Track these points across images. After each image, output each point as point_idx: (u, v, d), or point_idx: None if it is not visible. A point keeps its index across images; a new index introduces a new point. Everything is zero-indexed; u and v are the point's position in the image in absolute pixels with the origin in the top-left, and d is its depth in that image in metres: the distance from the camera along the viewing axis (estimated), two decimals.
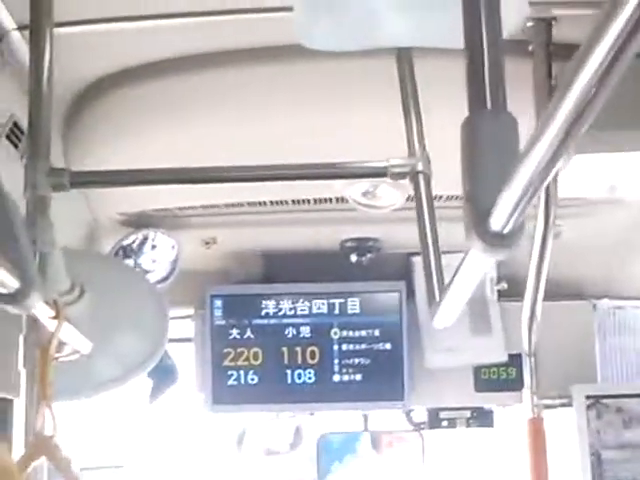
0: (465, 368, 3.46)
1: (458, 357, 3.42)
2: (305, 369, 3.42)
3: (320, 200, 2.88)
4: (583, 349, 3.46)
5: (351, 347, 3.44)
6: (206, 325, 3.45)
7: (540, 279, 2.61)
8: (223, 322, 3.44)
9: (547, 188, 2.21)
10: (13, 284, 1.16)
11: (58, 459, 1.41)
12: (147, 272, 3.06)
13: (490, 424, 3.59)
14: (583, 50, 0.69)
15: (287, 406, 3.54)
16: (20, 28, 1.88)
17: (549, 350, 3.28)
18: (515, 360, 3.34)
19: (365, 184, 2.58)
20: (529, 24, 2.07)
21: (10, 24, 1.88)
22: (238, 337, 3.44)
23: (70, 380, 1.61)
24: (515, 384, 3.29)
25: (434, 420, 3.59)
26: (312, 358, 3.43)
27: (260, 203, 2.89)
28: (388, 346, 3.44)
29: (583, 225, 3.05)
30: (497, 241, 0.99)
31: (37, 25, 1.59)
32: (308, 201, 2.88)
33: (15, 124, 2.00)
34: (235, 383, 3.42)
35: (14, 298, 1.18)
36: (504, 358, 3.43)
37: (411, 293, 3.43)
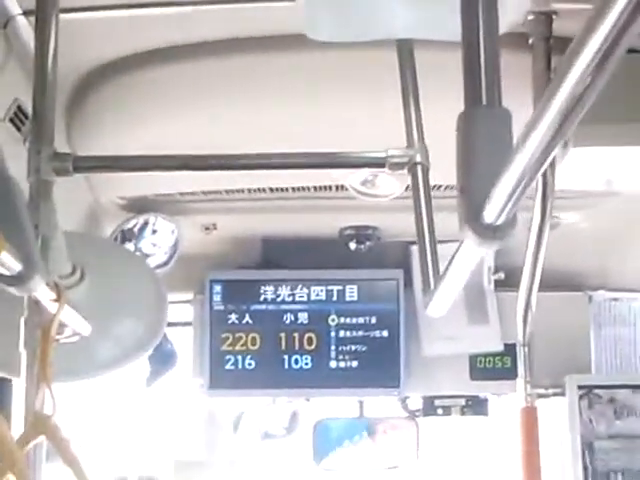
0: (461, 356, 3.48)
1: (455, 345, 3.45)
2: (302, 355, 3.45)
3: (320, 188, 2.90)
4: (578, 340, 3.48)
5: (348, 334, 3.47)
6: (205, 310, 3.47)
7: (536, 270, 2.63)
8: (222, 307, 3.47)
9: (544, 179, 2.23)
10: (16, 266, 1.19)
11: (57, 439, 1.44)
12: (147, 256, 3.08)
13: (485, 412, 3.62)
14: (576, 43, 0.71)
15: (284, 391, 3.57)
16: (25, 13, 1.90)
17: (544, 340, 3.31)
18: (510, 349, 3.36)
19: (364, 173, 2.60)
20: (529, 17, 2.09)
21: (16, 9, 1.90)
22: (236, 322, 3.46)
23: (69, 362, 1.63)
24: (510, 373, 3.31)
25: (429, 408, 3.61)
26: (309, 344, 3.45)
27: (260, 190, 2.91)
28: (385, 334, 3.46)
29: (580, 217, 3.08)
30: (490, 233, 1.02)
31: (43, 11, 1.62)
32: (308, 188, 2.90)
33: (19, 107, 2.02)
34: (232, 368, 3.44)
35: (17, 280, 1.21)
36: (500, 347, 3.46)
37: (409, 281, 3.44)
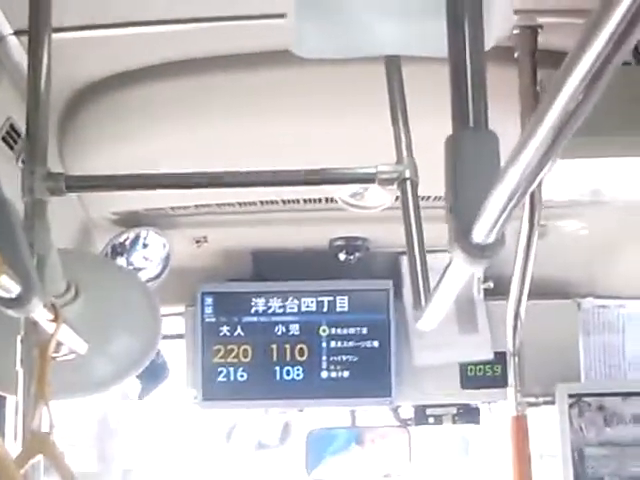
0: (451, 365, 3.50)
1: (445, 354, 3.47)
2: (294, 366, 3.46)
3: (310, 200, 2.92)
4: (567, 348, 3.50)
5: (339, 344, 3.48)
6: (197, 322, 3.48)
7: (525, 278, 2.66)
8: (213, 319, 3.48)
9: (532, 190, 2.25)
10: (15, 289, 1.20)
11: (55, 456, 1.45)
12: (139, 270, 3.09)
13: (476, 421, 3.64)
14: (570, 59, 0.70)
15: (276, 402, 3.58)
16: (17, 33, 1.92)
17: (534, 348, 3.33)
18: (501, 358, 3.38)
19: (354, 186, 2.62)
20: (515, 31, 2.11)
21: (6, 29, 1.92)
22: (228, 334, 3.47)
23: (66, 380, 1.65)
24: (501, 381, 3.33)
25: (421, 416, 3.63)
26: (301, 355, 3.46)
27: (250, 203, 2.93)
28: (376, 344, 3.48)
29: (568, 225, 3.10)
30: (479, 252, 1.04)
31: (35, 30, 1.63)
32: (298, 201, 2.92)
33: (11, 126, 2.04)
34: (225, 380, 3.45)
35: (16, 302, 1.22)
36: (490, 356, 3.48)
37: (399, 291, 3.46)
